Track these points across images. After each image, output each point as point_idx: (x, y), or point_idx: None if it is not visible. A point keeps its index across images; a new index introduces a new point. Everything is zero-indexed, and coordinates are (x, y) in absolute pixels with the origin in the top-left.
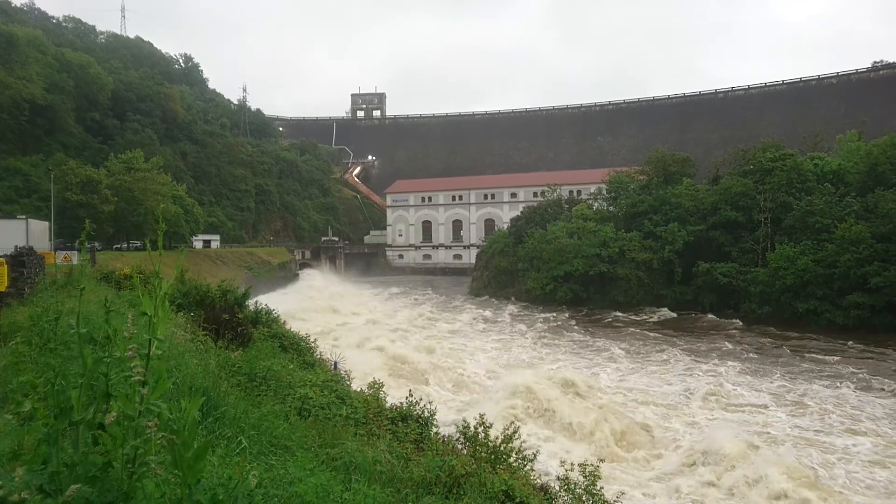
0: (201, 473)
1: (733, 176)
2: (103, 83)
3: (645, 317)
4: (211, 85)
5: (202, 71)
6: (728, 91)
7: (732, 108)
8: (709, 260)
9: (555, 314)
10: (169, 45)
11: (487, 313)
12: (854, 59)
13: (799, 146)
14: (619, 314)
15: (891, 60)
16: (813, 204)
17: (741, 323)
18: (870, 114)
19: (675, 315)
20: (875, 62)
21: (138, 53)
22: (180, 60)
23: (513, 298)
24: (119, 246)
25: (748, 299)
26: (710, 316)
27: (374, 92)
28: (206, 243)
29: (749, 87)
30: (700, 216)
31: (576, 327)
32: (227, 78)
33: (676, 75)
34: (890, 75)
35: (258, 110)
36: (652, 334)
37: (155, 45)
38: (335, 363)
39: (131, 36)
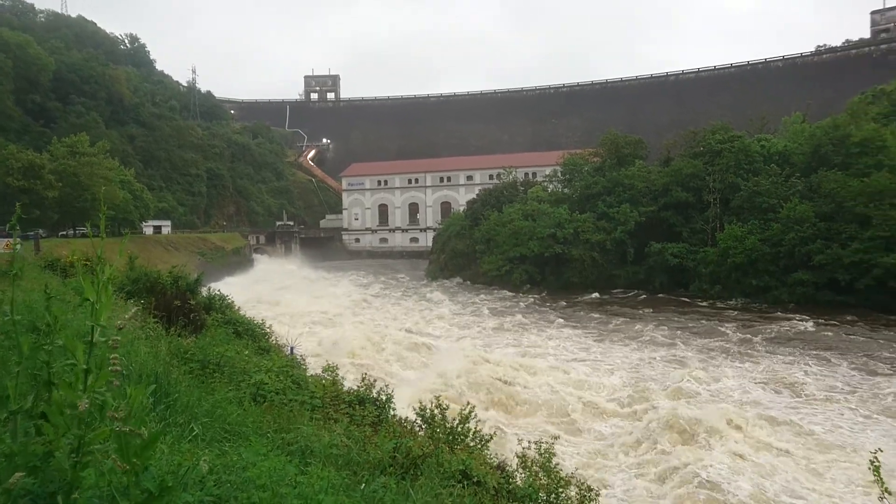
0: (149, 461)
1: (684, 157)
2: (44, 64)
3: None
4: (159, 66)
5: (149, 52)
6: (679, 74)
7: (683, 91)
8: (660, 240)
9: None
10: (114, 25)
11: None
12: (799, 44)
13: (747, 128)
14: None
15: (833, 45)
16: (759, 184)
17: (696, 302)
18: (814, 96)
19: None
20: (818, 46)
21: (81, 33)
22: (126, 41)
23: (468, 282)
24: (65, 233)
25: (698, 278)
26: (661, 296)
27: (327, 74)
28: (157, 229)
29: (699, 70)
30: (652, 197)
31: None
32: (175, 60)
33: (627, 60)
34: (832, 59)
35: (209, 92)
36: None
37: (99, 25)
38: (291, 348)
39: (73, 15)
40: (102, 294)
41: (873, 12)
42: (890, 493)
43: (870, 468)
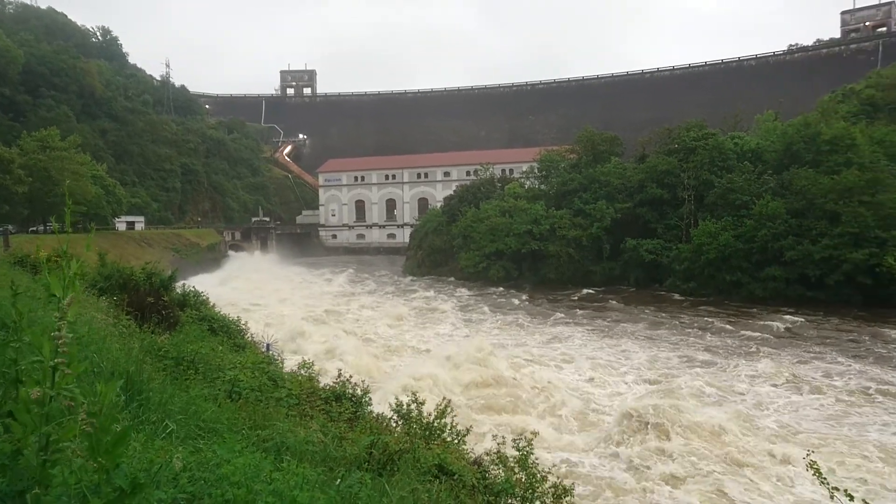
0: (121, 458)
1: (659, 154)
2: (13, 56)
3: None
4: (132, 60)
5: (121, 45)
6: (654, 72)
7: (658, 89)
8: (636, 236)
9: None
10: (85, 17)
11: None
12: (772, 43)
13: (721, 125)
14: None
15: (805, 44)
16: (733, 181)
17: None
18: (786, 94)
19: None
20: (791, 45)
21: (51, 25)
22: (98, 33)
23: (450, 278)
24: (35, 229)
25: (673, 274)
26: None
27: (304, 69)
28: (130, 225)
29: (674, 69)
30: (627, 194)
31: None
32: (149, 53)
33: (603, 58)
34: (804, 58)
35: (183, 87)
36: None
37: (70, 17)
38: (268, 345)
39: (43, 6)
40: (70, 290)
41: (843, 12)
42: (837, 490)
43: (808, 469)
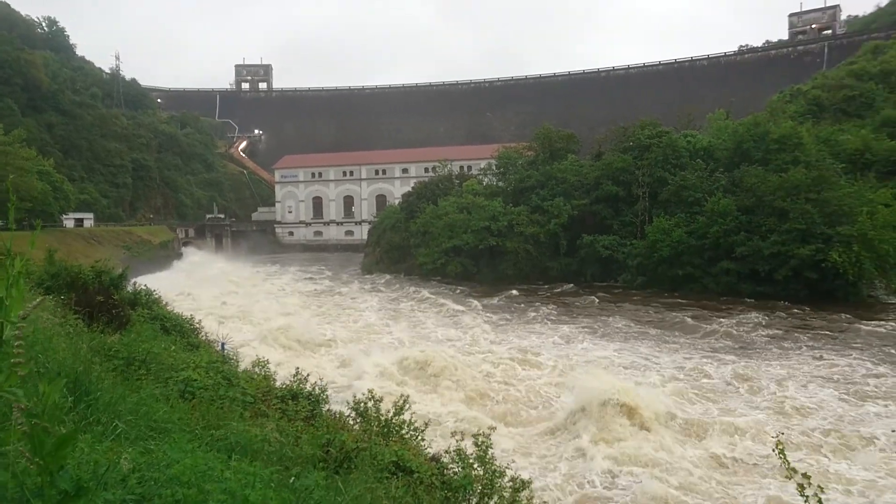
0: (65, 460)
1: (614, 152)
2: None
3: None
4: (79, 52)
5: (68, 36)
6: (610, 71)
7: (614, 88)
8: (592, 232)
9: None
10: (30, 7)
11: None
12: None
13: (674, 124)
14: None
15: (754, 45)
16: (686, 179)
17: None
18: (737, 94)
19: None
20: (741, 46)
21: None
22: (43, 24)
23: (402, 274)
24: None
25: (627, 270)
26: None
27: (259, 63)
28: (79, 222)
29: (629, 68)
30: (584, 191)
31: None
32: (97, 45)
33: (560, 57)
34: (753, 59)
35: (133, 80)
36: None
37: (12, 7)
38: (222, 344)
39: None
40: (13, 289)
41: (791, 15)
42: (796, 472)
43: (774, 450)
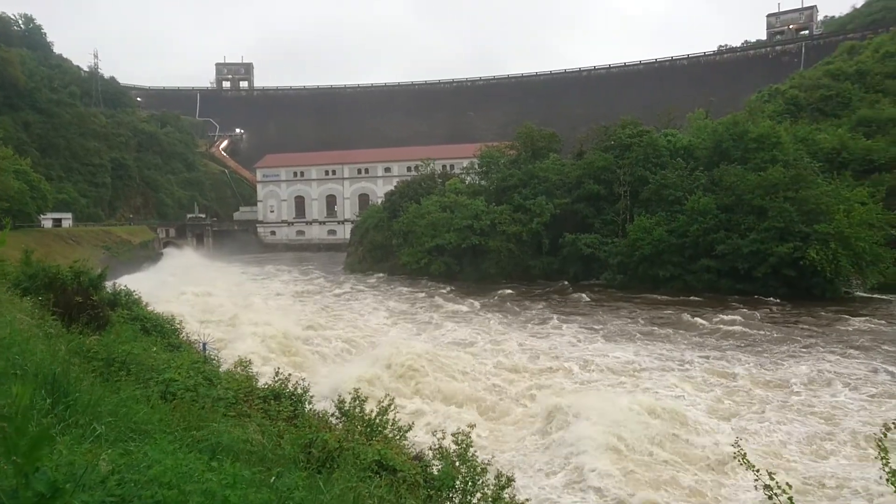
0: (40, 462)
1: (596, 151)
2: None
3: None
4: (57, 50)
5: (46, 34)
6: (591, 70)
7: (595, 87)
8: (574, 231)
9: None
10: (5, 4)
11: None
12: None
13: (655, 123)
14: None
15: (733, 45)
16: (666, 178)
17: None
18: (716, 93)
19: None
20: (720, 46)
21: None
22: (20, 21)
23: (385, 274)
24: None
25: (609, 269)
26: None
27: (240, 62)
28: (57, 222)
29: (610, 67)
30: (566, 189)
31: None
32: (76, 43)
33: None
34: (732, 59)
35: (112, 78)
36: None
37: None
38: (204, 344)
39: None
40: None
41: (769, 15)
42: (759, 471)
43: (735, 454)
